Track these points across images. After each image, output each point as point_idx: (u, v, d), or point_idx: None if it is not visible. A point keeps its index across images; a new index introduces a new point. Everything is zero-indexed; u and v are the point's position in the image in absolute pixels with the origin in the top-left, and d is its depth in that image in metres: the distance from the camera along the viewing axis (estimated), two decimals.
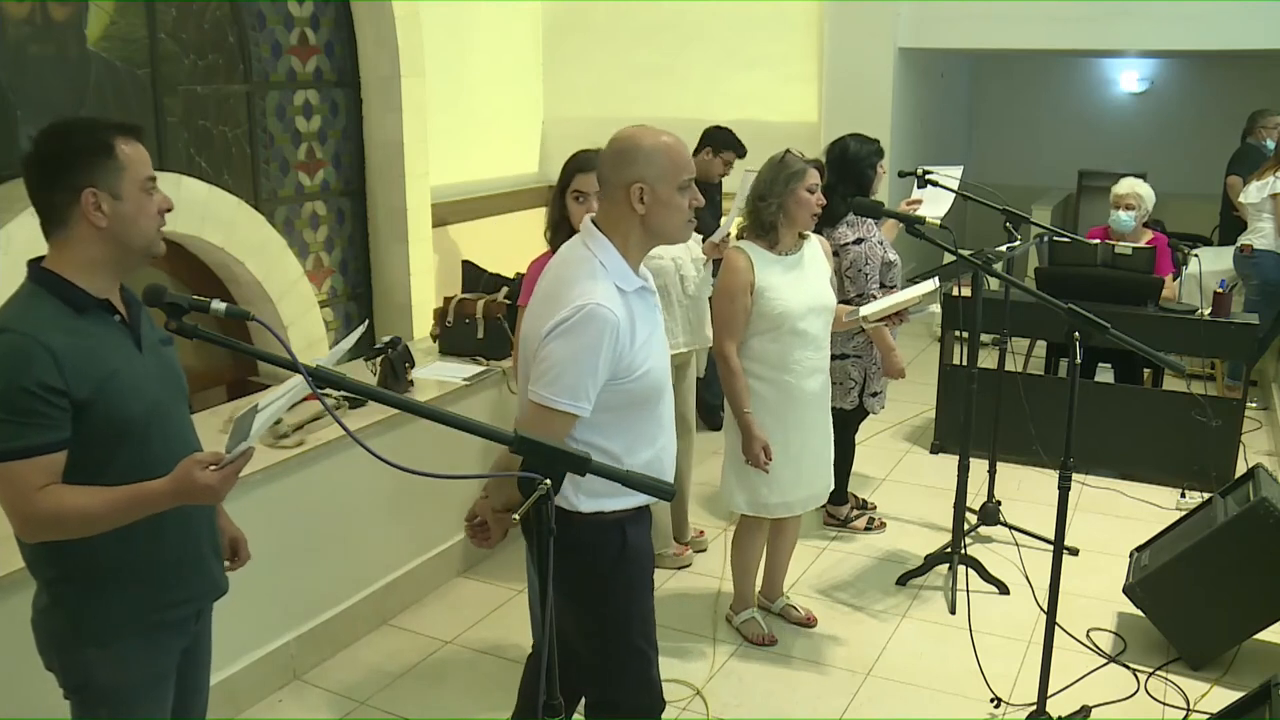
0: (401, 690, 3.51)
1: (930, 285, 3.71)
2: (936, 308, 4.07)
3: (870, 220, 4.27)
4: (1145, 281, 5.11)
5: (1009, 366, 5.06)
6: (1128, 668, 3.60)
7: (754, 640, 3.77)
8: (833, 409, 4.33)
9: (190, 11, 4.65)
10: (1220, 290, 5.16)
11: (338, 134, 5.46)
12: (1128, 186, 5.39)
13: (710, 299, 3.89)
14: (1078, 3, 7.48)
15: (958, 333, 4.89)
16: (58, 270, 1.94)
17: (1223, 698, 3.30)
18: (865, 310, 3.67)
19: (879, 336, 4.20)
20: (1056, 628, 3.08)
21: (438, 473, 2.37)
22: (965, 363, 4.16)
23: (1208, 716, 3.05)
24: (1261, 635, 3.59)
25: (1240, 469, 4.72)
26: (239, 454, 1.83)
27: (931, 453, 5.63)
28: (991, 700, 3.39)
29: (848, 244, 4.21)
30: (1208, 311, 5.12)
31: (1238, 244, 6.38)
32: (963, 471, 4.05)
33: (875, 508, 4.86)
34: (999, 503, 4.64)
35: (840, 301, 4.17)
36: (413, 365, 4.14)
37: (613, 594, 2.41)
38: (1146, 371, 5.59)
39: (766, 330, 3.43)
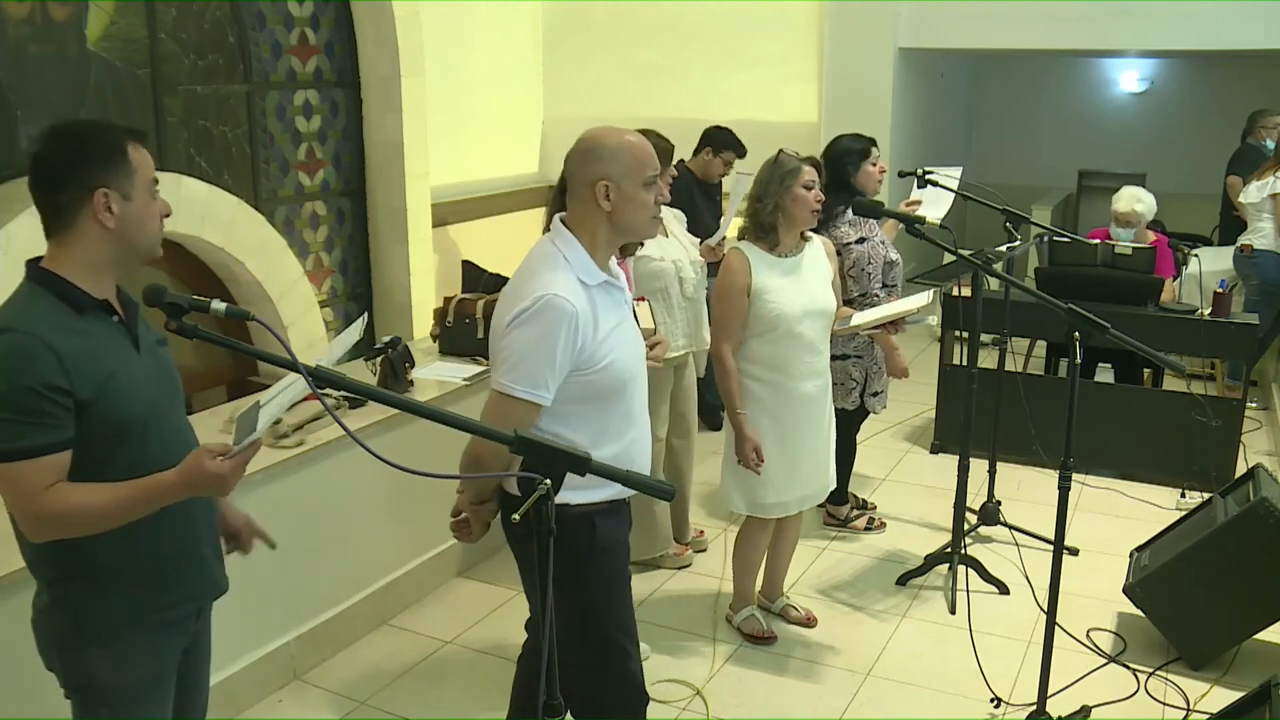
0: (401, 690, 3.51)
1: (924, 299, 3.71)
2: (933, 318, 4.06)
3: (872, 220, 4.27)
4: (1145, 281, 5.11)
5: (1009, 366, 5.06)
6: (1128, 668, 3.60)
7: (754, 636, 3.77)
8: (834, 409, 4.36)
9: (190, 11, 4.65)
10: (1220, 290, 5.16)
11: (338, 134, 5.46)
12: (1127, 204, 5.41)
13: (709, 300, 3.90)
14: (1078, 3, 7.48)
15: (958, 333, 4.89)
16: (57, 270, 1.94)
17: (1223, 698, 3.30)
18: (856, 319, 3.67)
19: (882, 336, 4.20)
20: (1056, 628, 3.08)
21: (438, 473, 2.38)
22: (965, 363, 4.16)
23: (1208, 716, 3.05)
24: (1261, 635, 3.59)
25: (1240, 469, 4.72)
26: (248, 444, 1.86)
27: (931, 453, 5.63)
28: (991, 700, 3.39)
29: (850, 243, 4.21)
30: (1208, 311, 5.12)
31: (1238, 244, 6.38)
32: (963, 471, 4.05)
33: (875, 508, 4.86)
34: (999, 503, 4.64)
35: (844, 301, 4.19)
36: (413, 365, 4.14)
37: (585, 588, 2.43)
38: (1146, 371, 5.59)
39: (763, 332, 3.43)
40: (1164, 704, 3.40)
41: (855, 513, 4.74)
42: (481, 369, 4.31)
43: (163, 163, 4.52)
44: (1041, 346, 6.10)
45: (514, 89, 7.55)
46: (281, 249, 5.03)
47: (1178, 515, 4.08)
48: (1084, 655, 3.66)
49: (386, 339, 4.06)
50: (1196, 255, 5.67)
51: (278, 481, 3.39)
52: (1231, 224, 7.14)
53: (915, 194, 4.58)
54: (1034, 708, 3.15)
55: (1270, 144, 6.78)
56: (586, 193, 2.36)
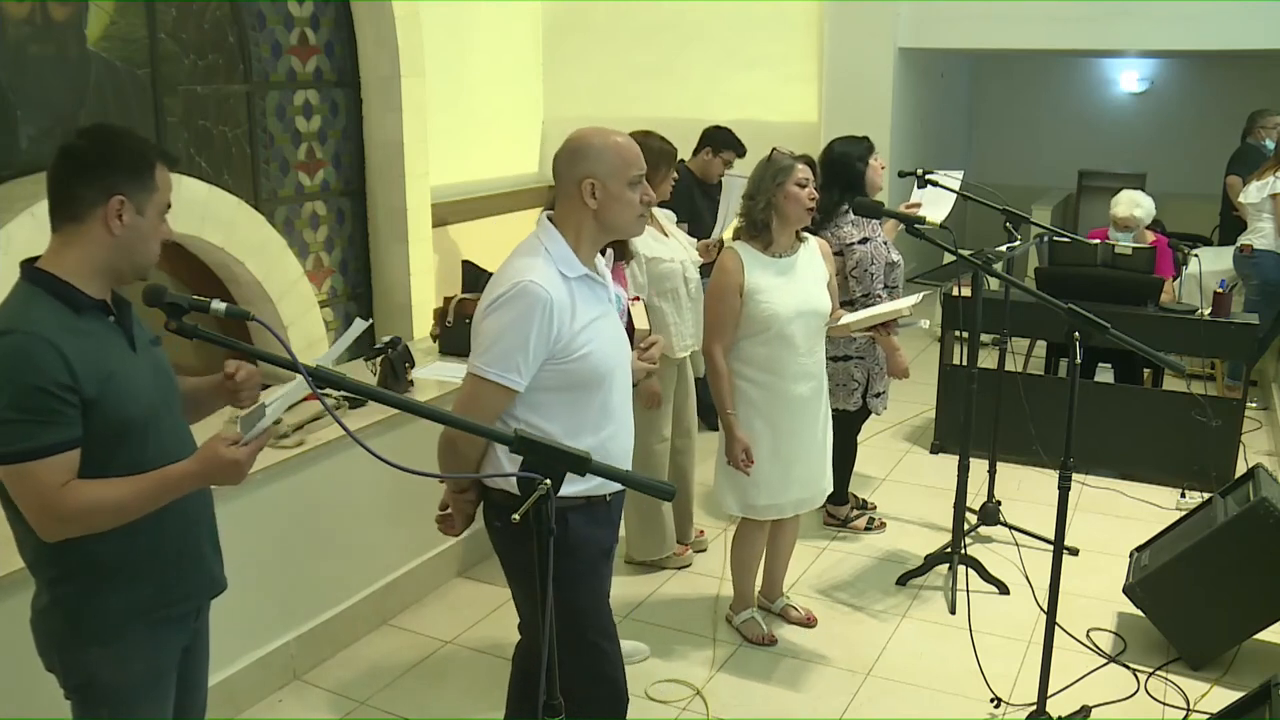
0: (401, 690, 3.51)
1: (914, 299, 3.71)
2: (927, 322, 4.07)
3: (874, 220, 4.27)
4: (1145, 281, 5.11)
5: (1009, 366, 5.06)
6: (1128, 668, 3.60)
7: (754, 640, 3.77)
8: (836, 410, 4.36)
9: (190, 11, 4.65)
10: (1220, 290, 5.17)
11: (338, 134, 5.46)
12: (1125, 209, 5.42)
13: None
14: (1078, 3, 7.48)
15: (958, 333, 4.89)
16: (54, 270, 1.94)
17: (1223, 698, 3.30)
18: (847, 319, 3.67)
19: (883, 337, 4.19)
20: (1056, 628, 3.08)
21: (438, 473, 2.39)
22: (965, 363, 4.16)
23: (1208, 716, 3.05)
24: (1261, 635, 3.59)
25: (1240, 469, 4.72)
26: (261, 431, 1.88)
27: (931, 453, 5.63)
28: (991, 700, 3.39)
29: (853, 244, 4.21)
30: (1208, 311, 5.12)
31: (1238, 244, 6.38)
32: (963, 471, 4.05)
33: (875, 508, 4.86)
34: (999, 503, 4.64)
35: (845, 301, 4.19)
36: (413, 365, 4.14)
37: (557, 586, 2.42)
38: (1146, 371, 5.59)
39: (756, 333, 3.42)
40: (1164, 704, 3.41)
41: (855, 513, 4.74)
42: None
43: None
44: (1041, 346, 6.10)
45: (514, 89, 7.54)
46: (281, 249, 5.03)
47: (1178, 515, 4.08)
48: (1084, 655, 3.66)
49: (386, 339, 4.06)
50: (1196, 255, 5.67)
51: (278, 481, 3.39)
52: (1231, 224, 7.14)
53: (916, 195, 4.58)
54: (1034, 708, 3.15)
55: (1270, 144, 6.78)
56: (573, 190, 2.41)
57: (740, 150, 5.63)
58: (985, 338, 4.99)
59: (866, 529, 4.68)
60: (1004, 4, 7.76)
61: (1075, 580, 4.03)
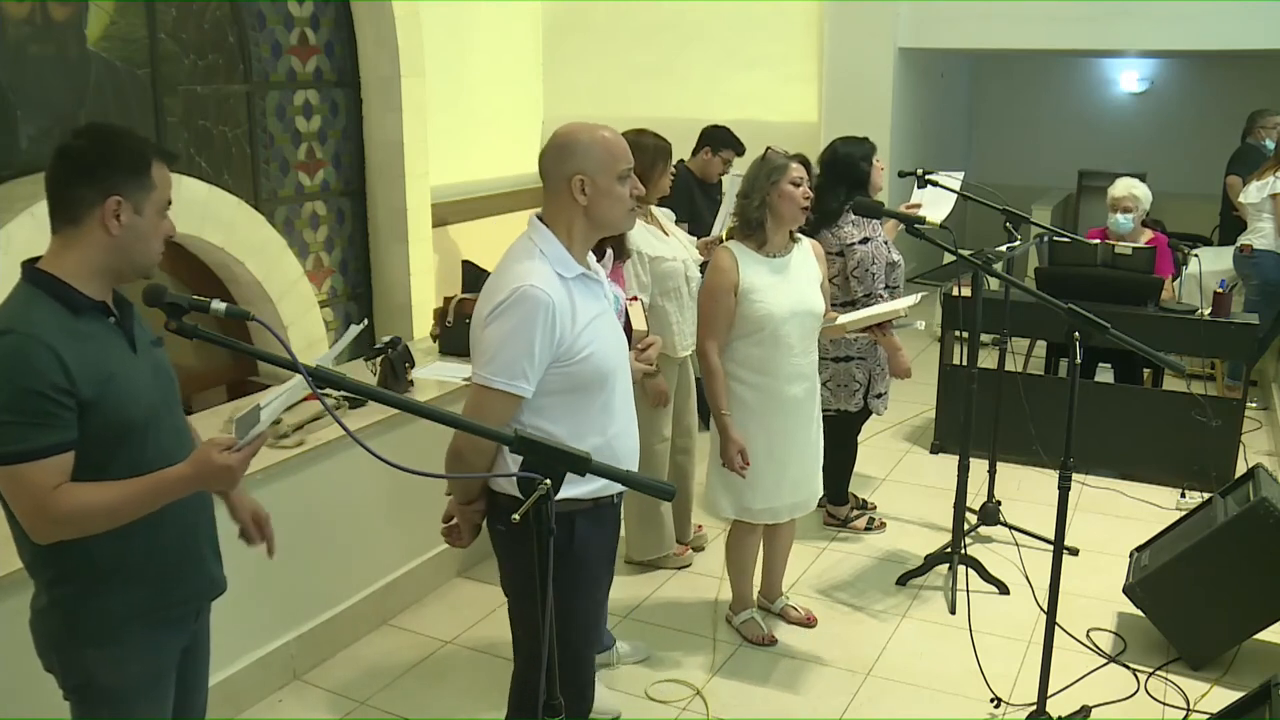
0: (401, 690, 3.51)
1: (911, 300, 3.71)
2: (923, 323, 4.06)
3: (875, 220, 4.27)
4: (1145, 281, 5.11)
5: (1009, 366, 5.06)
6: (1128, 668, 3.60)
7: (754, 640, 3.77)
8: (838, 411, 4.37)
9: (190, 11, 4.65)
10: (1220, 290, 5.16)
11: (338, 134, 5.46)
12: (1124, 189, 5.39)
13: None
14: (1078, 3, 7.49)
15: (958, 333, 4.89)
16: (54, 271, 1.93)
17: (1223, 698, 3.29)
18: (844, 319, 3.66)
19: (885, 337, 4.19)
20: (1056, 628, 3.08)
21: (438, 473, 2.38)
22: (965, 363, 4.16)
23: (1208, 716, 3.05)
24: (1261, 635, 3.59)
25: (1240, 469, 4.72)
26: (255, 436, 1.87)
27: (931, 453, 5.63)
28: (991, 700, 3.39)
29: (854, 244, 4.21)
30: (1208, 311, 5.12)
31: (1238, 244, 6.38)
32: (963, 471, 4.05)
33: (875, 508, 4.86)
34: (999, 503, 4.64)
35: (846, 302, 4.19)
36: (413, 365, 4.14)
37: (558, 592, 2.41)
38: (1146, 371, 5.59)
39: (750, 333, 3.40)
40: (1164, 704, 3.40)
41: (855, 513, 4.74)
42: None
43: None
44: (1041, 346, 6.09)
45: (514, 89, 7.54)
46: (281, 249, 5.03)
47: (1178, 515, 4.08)
48: (1084, 655, 3.66)
49: (386, 339, 4.06)
50: (1196, 255, 5.66)
51: (278, 481, 3.39)
52: (1231, 224, 7.13)
53: (916, 196, 4.58)
54: (1034, 708, 3.15)
55: (1270, 144, 6.78)
56: (562, 188, 2.38)
57: (739, 149, 5.64)
58: (985, 338, 4.99)
59: (866, 529, 4.68)
60: (1004, 4, 7.76)
61: (1075, 580, 4.03)
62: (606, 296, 2.51)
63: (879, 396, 4.41)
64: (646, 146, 3.78)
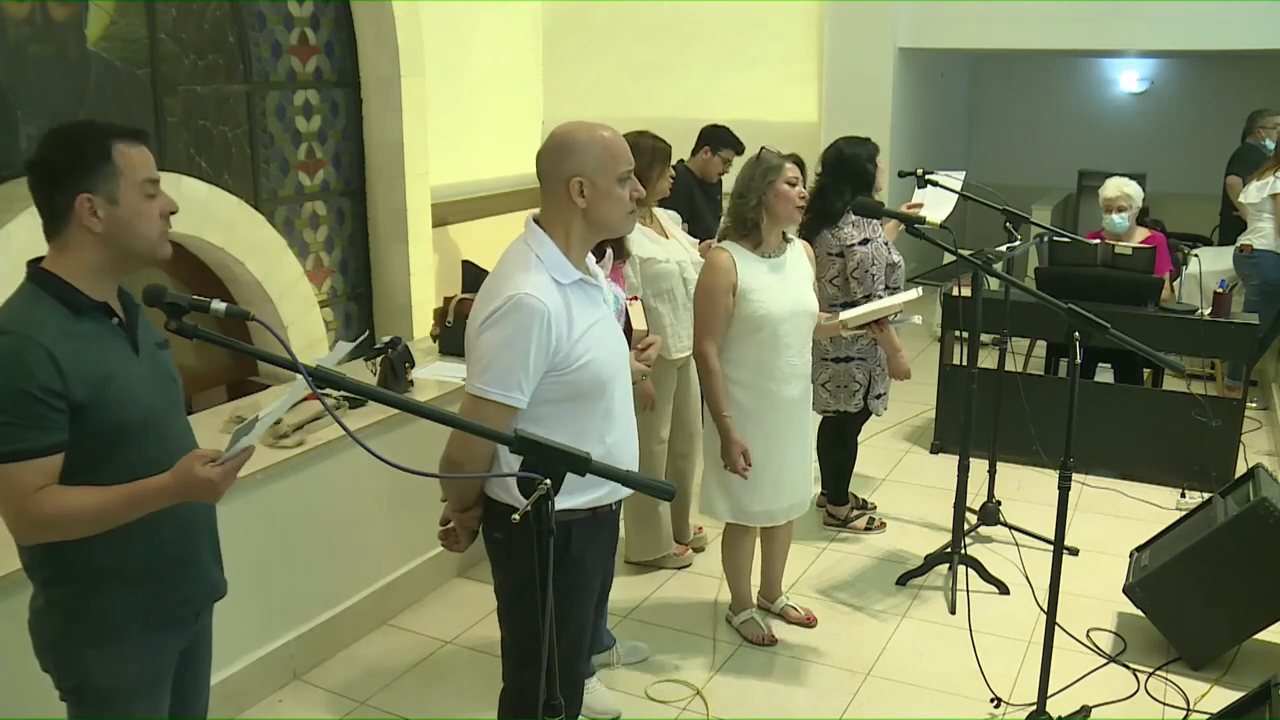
0: (401, 690, 3.51)
1: (913, 293, 3.70)
2: (919, 319, 4.06)
3: (875, 221, 4.27)
4: (1145, 281, 5.11)
5: (1009, 366, 5.06)
6: (1128, 668, 3.60)
7: (754, 640, 3.77)
8: (837, 411, 4.37)
9: (190, 11, 4.65)
10: (1220, 290, 5.16)
11: (338, 134, 5.46)
12: (1116, 188, 5.39)
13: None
14: (1078, 3, 7.49)
15: (958, 333, 4.89)
16: (56, 271, 1.93)
17: (1223, 698, 3.30)
18: (845, 315, 3.66)
19: (885, 337, 4.19)
20: (1056, 628, 3.08)
21: (438, 473, 2.38)
22: (965, 363, 4.16)
23: (1208, 716, 3.05)
24: (1261, 635, 3.59)
25: (1240, 469, 4.72)
26: (239, 450, 1.84)
27: (931, 453, 5.63)
28: (991, 700, 3.39)
29: (854, 245, 4.21)
30: (1208, 311, 5.12)
31: (1237, 244, 6.38)
32: (963, 471, 4.05)
33: (875, 508, 4.86)
34: (999, 503, 4.64)
35: (846, 303, 4.18)
36: (413, 365, 4.14)
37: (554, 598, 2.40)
38: (1146, 371, 5.59)
39: (748, 334, 3.39)
40: (1164, 704, 3.40)
41: (855, 513, 4.74)
42: None
43: (163, 163, 4.50)
44: (1041, 346, 6.10)
45: (514, 89, 7.53)
46: (281, 249, 5.03)
47: (1178, 515, 4.08)
48: (1084, 655, 3.66)
49: (386, 339, 4.06)
50: (1196, 255, 5.66)
51: (278, 481, 3.39)
52: (1231, 224, 7.13)
53: (917, 196, 4.57)
54: (1034, 708, 3.15)
55: (1270, 144, 6.78)
56: (560, 190, 2.32)
57: (739, 149, 5.64)
58: (985, 338, 4.99)
59: (866, 529, 4.68)
60: (1004, 4, 7.77)
61: (1075, 580, 4.03)
62: (605, 301, 2.47)
63: (879, 397, 4.40)
64: (644, 148, 3.76)
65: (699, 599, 4.10)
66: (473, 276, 4.96)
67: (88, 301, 1.94)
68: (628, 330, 3.33)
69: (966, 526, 4.38)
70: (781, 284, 3.42)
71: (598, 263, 3.29)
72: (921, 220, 3.61)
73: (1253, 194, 6.26)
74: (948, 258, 3.76)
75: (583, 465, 1.73)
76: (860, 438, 4.70)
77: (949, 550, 4.17)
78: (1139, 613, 3.74)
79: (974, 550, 4.39)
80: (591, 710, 3.32)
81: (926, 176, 4.43)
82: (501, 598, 2.52)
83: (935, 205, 4.46)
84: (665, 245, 3.93)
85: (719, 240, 3.52)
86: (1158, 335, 4.76)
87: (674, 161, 4.13)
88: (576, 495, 2.33)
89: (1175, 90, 10.21)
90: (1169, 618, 3.63)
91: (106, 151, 1.91)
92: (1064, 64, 10.52)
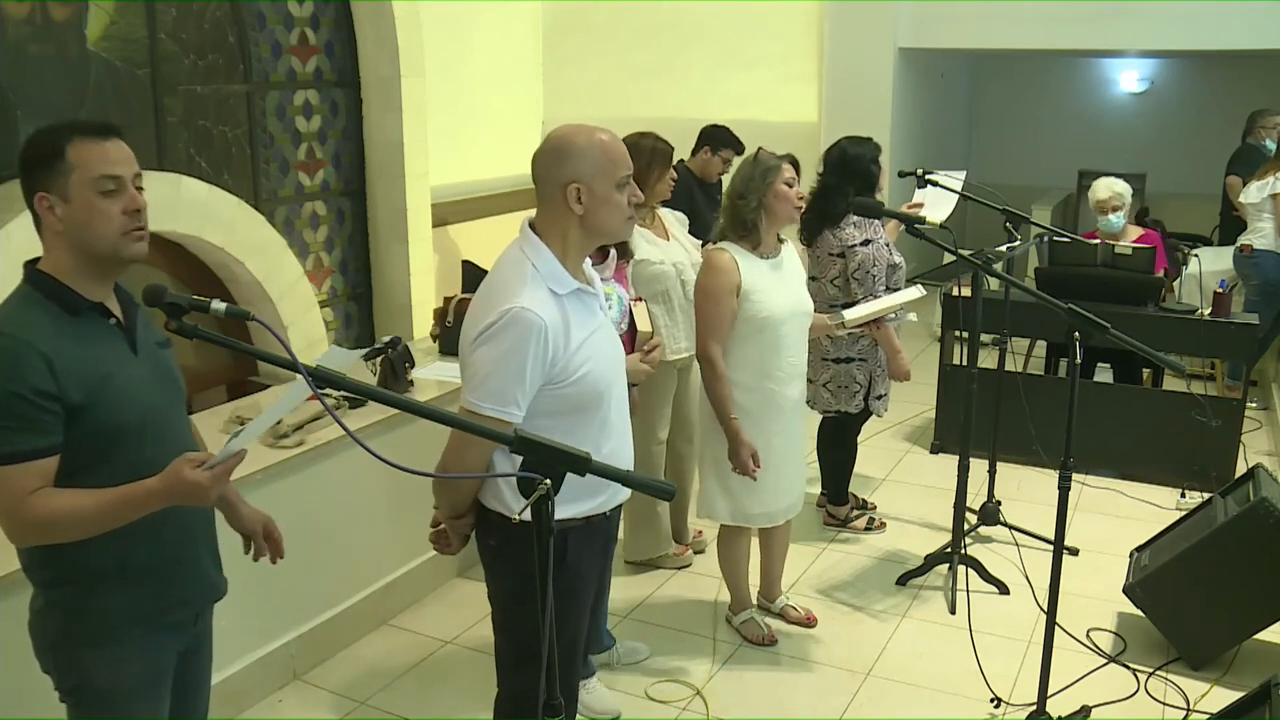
0: (401, 690, 3.51)
1: (915, 292, 3.70)
2: (914, 315, 4.06)
3: (876, 221, 4.27)
4: (1145, 281, 5.11)
5: (1009, 366, 5.06)
6: (1128, 668, 3.60)
7: (754, 640, 3.77)
8: (838, 412, 4.37)
9: (190, 11, 4.65)
10: (1220, 290, 5.16)
11: (338, 134, 5.46)
12: (1106, 189, 5.39)
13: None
14: (1078, 3, 7.49)
15: (958, 333, 4.89)
16: (50, 272, 1.93)
17: (1223, 698, 3.30)
18: (848, 314, 3.66)
19: (885, 339, 4.19)
20: (1056, 628, 3.08)
21: (437, 473, 2.38)
22: (965, 363, 4.16)
23: (1208, 716, 3.05)
24: (1261, 635, 3.59)
25: (1240, 469, 4.72)
26: (229, 455, 1.82)
27: (931, 453, 5.63)
28: (991, 700, 3.39)
29: (855, 245, 4.20)
30: (1208, 311, 5.12)
31: (1237, 244, 6.38)
32: (963, 471, 4.05)
33: (875, 508, 4.86)
34: (999, 503, 4.64)
35: (846, 304, 4.18)
36: (413, 365, 4.14)
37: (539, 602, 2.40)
38: (1146, 371, 5.59)
39: (750, 335, 3.38)
40: (1164, 704, 3.41)
41: (855, 513, 4.74)
42: None
43: (163, 163, 4.51)
44: (1041, 346, 6.10)
45: (514, 89, 7.53)
46: (281, 249, 5.03)
47: (1178, 515, 4.08)
48: (1084, 655, 3.66)
49: (386, 339, 4.06)
50: (1196, 255, 5.66)
51: (278, 481, 3.39)
52: (1231, 224, 7.14)
53: (918, 196, 4.57)
54: (1034, 708, 3.15)
55: (1270, 144, 6.78)
56: (557, 195, 2.26)
57: (739, 149, 5.64)
58: (985, 338, 4.99)
59: (866, 529, 4.68)
60: (1004, 4, 7.77)
61: (1075, 580, 4.03)
62: (602, 308, 2.43)
63: (879, 398, 4.40)
64: (644, 149, 3.74)
65: (699, 599, 4.10)
66: (473, 276, 4.96)
67: (83, 302, 1.94)
68: (632, 331, 3.33)
69: (966, 526, 4.38)
70: (781, 284, 3.42)
71: (602, 263, 3.31)
72: (921, 220, 3.61)
73: (1253, 194, 6.26)
74: (948, 258, 3.76)
75: (583, 465, 1.73)
76: (860, 438, 4.70)
77: (949, 550, 4.17)
78: (1139, 613, 3.74)
79: (974, 550, 4.39)
80: (591, 710, 3.32)
81: (926, 176, 4.43)
82: (496, 604, 2.51)
83: (935, 205, 4.45)
84: (662, 247, 3.91)
85: (716, 241, 3.50)
86: (1158, 335, 4.76)
87: (674, 162, 4.12)
88: (572, 505, 2.31)
89: (1175, 90, 10.21)
90: (1169, 618, 3.63)
91: (60, 149, 1.88)
92: (1064, 64, 10.52)
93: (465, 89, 6.76)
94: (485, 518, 2.43)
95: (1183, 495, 4.96)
